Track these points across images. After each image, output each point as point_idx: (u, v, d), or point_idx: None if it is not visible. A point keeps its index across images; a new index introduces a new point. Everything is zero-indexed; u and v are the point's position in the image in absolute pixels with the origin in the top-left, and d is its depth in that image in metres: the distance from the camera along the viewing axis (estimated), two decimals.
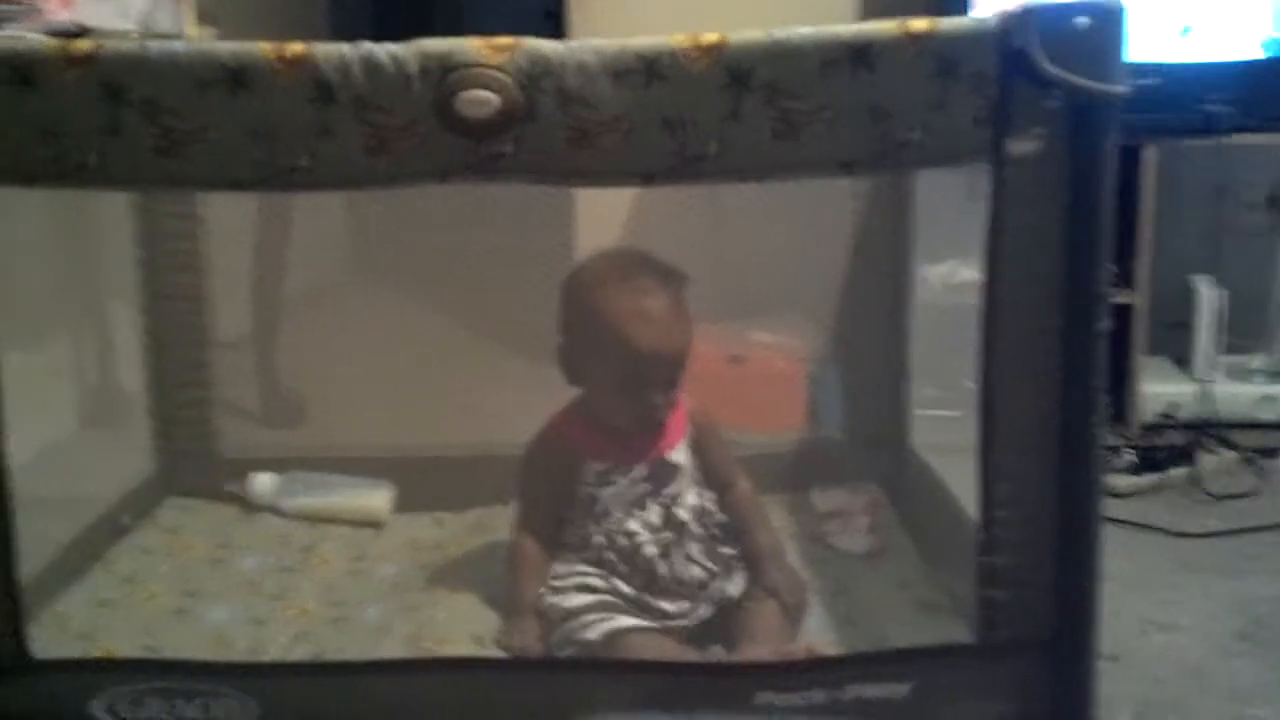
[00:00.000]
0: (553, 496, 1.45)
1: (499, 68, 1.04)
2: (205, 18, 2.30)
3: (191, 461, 1.83)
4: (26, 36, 1.10)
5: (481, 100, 1.04)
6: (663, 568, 1.40)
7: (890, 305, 1.79)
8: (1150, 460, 2.25)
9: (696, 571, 1.41)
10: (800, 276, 1.83)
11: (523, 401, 1.57)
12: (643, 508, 1.42)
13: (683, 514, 1.43)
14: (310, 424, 2.07)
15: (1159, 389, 2.42)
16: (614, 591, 1.38)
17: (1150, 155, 2.32)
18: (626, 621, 1.35)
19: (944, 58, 1.05)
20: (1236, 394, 2.41)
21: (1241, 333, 2.50)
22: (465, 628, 1.39)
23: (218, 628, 1.44)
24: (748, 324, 2.21)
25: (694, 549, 1.42)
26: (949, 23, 1.05)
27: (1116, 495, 2.11)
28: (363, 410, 1.93)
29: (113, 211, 1.78)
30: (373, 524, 1.74)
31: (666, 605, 1.38)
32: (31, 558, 1.26)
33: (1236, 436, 2.35)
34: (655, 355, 1.37)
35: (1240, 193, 2.63)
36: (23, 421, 1.19)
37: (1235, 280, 2.45)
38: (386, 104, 1.06)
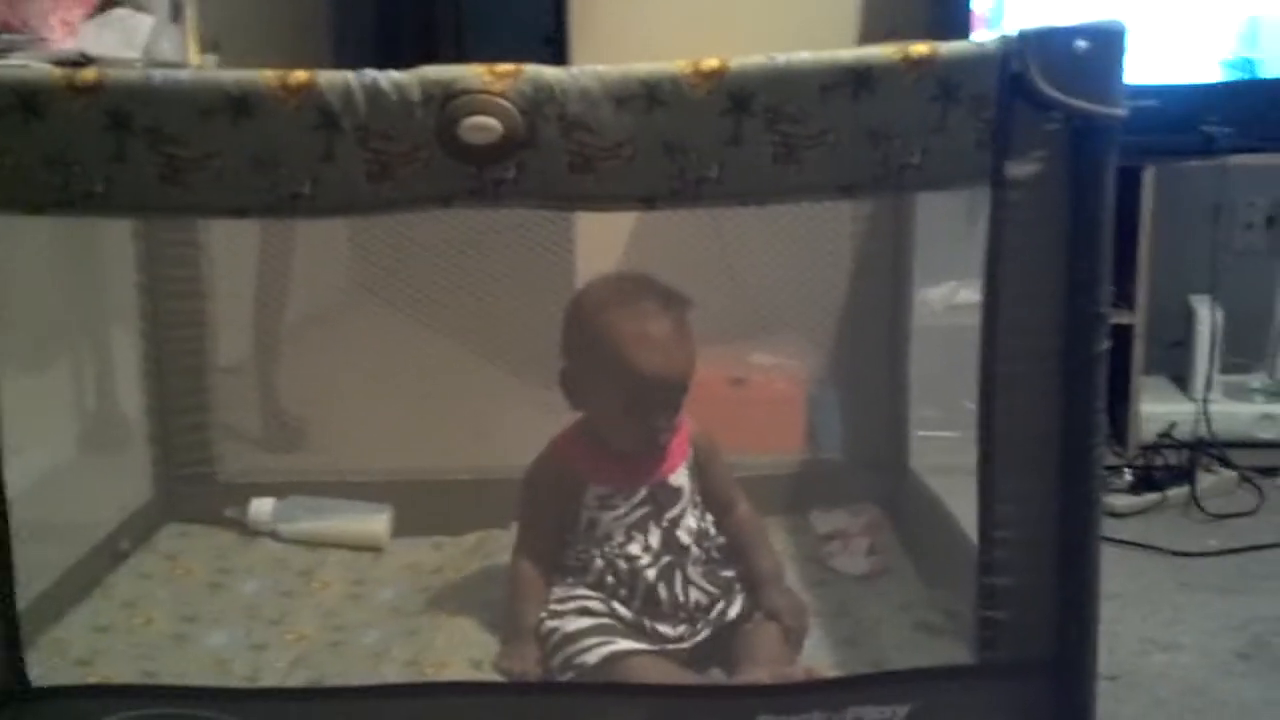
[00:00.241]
0: (553, 519, 1.44)
1: (501, 94, 1.05)
2: (208, 45, 2.31)
3: (191, 487, 1.82)
4: (32, 66, 1.11)
5: (484, 126, 1.05)
6: (663, 591, 1.39)
7: (890, 327, 1.79)
8: (1149, 480, 2.25)
9: (697, 595, 1.40)
10: (800, 298, 1.84)
11: (523, 425, 1.57)
12: (644, 531, 1.42)
13: (683, 537, 1.43)
14: (310, 448, 2.07)
15: (1158, 409, 2.43)
16: (613, 615, 1.38)
17: (1149, 176, 2.33)
18: (625, 645, 1.34)
19: (944, 81, 1.05)
20: (1235, 413, 2.41)
21: (1240, 352, 2.51)
22: (464, 652, 1.39)
23: (217, 652, 1.43)
24: (748, 346, 2.21)
25: (694, 572, 1.42)
26: (949, 47, 1.06)
27: (1116, 515, 2.11)
28: (363, 434, 1.93)
29: (114, 237, 1.78)
30: (372, 548, 1.74)
31: (666, 629, 1.38)
32: (30, 583, 1.26)
33: (1235, 456, 2.35)
34: (658, 379, 1.37)
35: (1239, 213, 2.64)
36: (23, 447, 1.19)
37: (1234, 300, 2.45)
38: (389, 131, 1.06)
